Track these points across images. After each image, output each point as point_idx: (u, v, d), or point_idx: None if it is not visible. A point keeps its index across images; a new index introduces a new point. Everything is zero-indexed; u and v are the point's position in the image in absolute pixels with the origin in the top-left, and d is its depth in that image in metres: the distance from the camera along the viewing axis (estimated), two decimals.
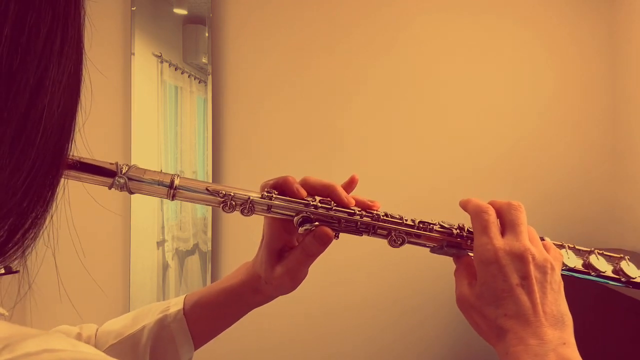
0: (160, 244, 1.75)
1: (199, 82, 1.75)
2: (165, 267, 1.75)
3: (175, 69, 1.76)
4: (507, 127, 1.70)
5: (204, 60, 1.75)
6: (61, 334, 0.25)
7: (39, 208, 0.27)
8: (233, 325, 0.57)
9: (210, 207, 1.74)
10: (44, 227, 0.29)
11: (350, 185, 0.52)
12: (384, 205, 0.50)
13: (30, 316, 1.55)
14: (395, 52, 1.73)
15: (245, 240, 1.42)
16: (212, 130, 1.74)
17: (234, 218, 1.76)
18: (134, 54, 1.73)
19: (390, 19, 1.74)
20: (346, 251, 1.71)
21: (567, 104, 1.69)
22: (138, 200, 1.74)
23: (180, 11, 1.76)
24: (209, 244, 1.74)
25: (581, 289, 1.19)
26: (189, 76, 1.76)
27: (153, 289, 1.73)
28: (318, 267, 1.83)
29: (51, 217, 0.29)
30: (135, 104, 1.73)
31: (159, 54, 1.75)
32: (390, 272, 1.71)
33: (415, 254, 1.67)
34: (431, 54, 1.73)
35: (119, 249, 1.76)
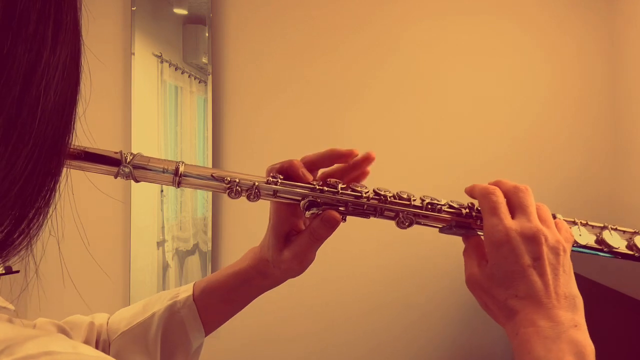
0: (160, 244, 1.75)
1: (199, 82, 1.75)
2: (165, 267, 1.75)
3: (175, 69, 1.76)
4: (508, 127, 1.70)
5: (204, 60, 1.75)
6: (62, 335, 0.25)
7: (42, 197, 0.27)
8: (235, 319, 0.57)
9: (211, 207, 1.75)
10: (49, 216, 0.28)
11: (365, 161, 0.52)
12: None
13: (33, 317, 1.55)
14: (397, 52, 1.73)
15: (246, 240, 1.42)
16: (212, 130, 1.74)
17: (234, 218, 1.76)
18: (134, 54, 1.73)
19: (392, 20, 1.74)
20: (350, 248, 1.71)
21: (567, 103, 1.69)
22: (138, 200, 1.74)
23: (180, 11, 1.76)
24: (209, 244, 1.74)
25: (582, 290, 1.19)
26: (189, 76, 1.76)
27: (153, 289, 1.73)
28: (320, 264, 1.82)
29: (55, 207, 0.29)
30: (135, 104, 1.73)
31: (159, 54, 1.75)
32: (395, 268, 1.71)
33: (419, 253, 1.67)
34: (434, 55, 1.73)
35: (119, 249, 1.76)
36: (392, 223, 0.49)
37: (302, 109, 1.75)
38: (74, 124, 0.29)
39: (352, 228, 1.64)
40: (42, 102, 0.26)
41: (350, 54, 1.74)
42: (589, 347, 0.40)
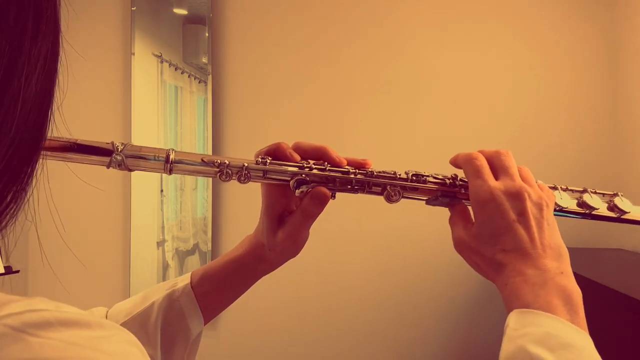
0: (160, 244, 1.75)
1: (199, 82, 1.76)
2: (165, 267, 1.75)
3: (175, 69, 1.76)
4: (508, 125, 1.70)
5: (204, 60, 1.75)
6: (44, 297, 0.26)
7: (19, 183, 0.28)
8: (232, 311, 0.57)
9: (211, 207, 1.74)
10: (25, 202, 0.29)
11: (359, 167, 0.52)
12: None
13: None
14: (398, 55, 1.73)
15: None
16: (212, 130, 1.74)
17: (234, 218, 1.76)
18: (134, 54, 1.74)
19: (393, 24, 1.74)
20: (346, 249, 1.71)
21: (566, 100, 1.69)
22: (138, 199, 1.74)
23: (180, 11, 1.76)
24: (209, 244, 1.74)
25: (582, 290, 1.18)
26: (189, 76, 1.76)
27: None
28: (319, 269, 1.80)
29: (31, 193, 0.30)
30: (135, 104, 1.73)
31: (159, 54, 1.75)
32: (392, 269, 1.71)
33: (417, 253, 1.67)
34: (436, 56, 1.73)
35: (119, 249, 1.76)
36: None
37: (302, 109, 1.75)
38: (51, 113, 0.30)
39: (349, 223, 1.64)
40: (24, 92, 0.26)
41: (351, 55, 1.74)
42: (576, 292, 0.42)
